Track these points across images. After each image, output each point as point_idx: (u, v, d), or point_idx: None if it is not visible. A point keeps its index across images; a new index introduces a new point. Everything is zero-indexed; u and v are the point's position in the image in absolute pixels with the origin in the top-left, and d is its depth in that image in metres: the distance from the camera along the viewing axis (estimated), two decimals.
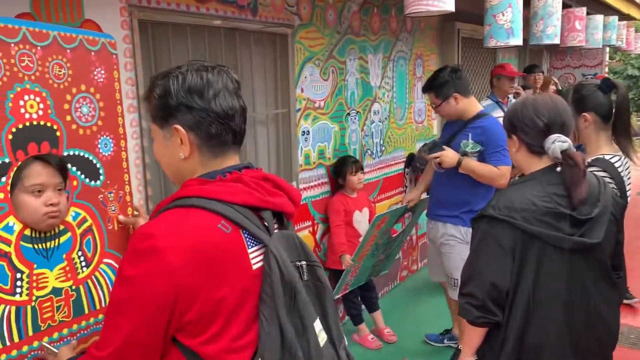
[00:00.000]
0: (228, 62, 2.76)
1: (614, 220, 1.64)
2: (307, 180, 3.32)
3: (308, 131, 3.29)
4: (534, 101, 1.66)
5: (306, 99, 3.24)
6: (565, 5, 4.91)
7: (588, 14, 5.60)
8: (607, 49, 8.39)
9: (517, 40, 2.95)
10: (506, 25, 2.90)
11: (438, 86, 2.90)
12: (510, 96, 5.07)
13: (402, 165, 4.44)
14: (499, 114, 4.88)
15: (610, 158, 2.10)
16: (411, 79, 4.45)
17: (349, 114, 3.67)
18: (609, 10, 6.47)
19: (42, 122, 1.27)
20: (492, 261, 1.58)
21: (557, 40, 3.81)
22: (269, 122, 3.11)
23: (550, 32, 3.71)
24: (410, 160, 4.56)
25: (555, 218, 1.54)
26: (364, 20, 3.72)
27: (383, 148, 4.14)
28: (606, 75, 8.48)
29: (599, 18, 5.32)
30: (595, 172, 2.07)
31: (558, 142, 1.57)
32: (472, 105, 2.96)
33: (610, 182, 2.05)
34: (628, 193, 2.15)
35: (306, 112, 3.26)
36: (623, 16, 7.75)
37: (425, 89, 3.02)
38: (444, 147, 2.83)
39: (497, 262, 1.57)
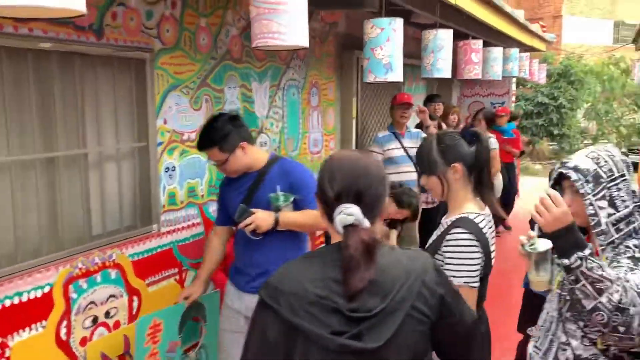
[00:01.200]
0: (64, 89, 2.38)
1: (422, 320, 1.27)
2: (172, 223, 2.96)
3: (174, 167, 2.94)
4: (334, 163, 1.37)
5: (171, 130, 2.89)
6: (463, 36, 4.88)
7: (488, 45, 5.64)
8: (514, 79, 8.61)
9: (396, 76, 2.76)
10: (384, 60, 2.70)
11: (221, 139, 2.39)
12: (414, 129, 4.95)
13: None
14: (393, 145, 4.75)
15: (475, 217, 1.91)
16: (305, 108, 4.21)
17: None
18: (512, 41, 6.59)
19: None
20: (259, 358, 1.26)
21: (447, 74, 3.70)
22: (122, 158, 2.73)
23: (441, 65, 3.59)
24: None
25: (324, 310, 1.22)
26: (246, 46, 3.43)
27: None
28: (513, 104, 8.70)
29: (497, 50, 5.34)
30: (452, 238, 1.87)
31: (342, 215, 1.27)
32: (259, 152, 2.60)
33: (476, 246, 1.85)
34: (493, 254, 1.96)
35: (171, 146, 2.91)
36: (526, 47, 7.99)
37: (205, 145, 2.43)
38: (252, 210, 2.41)
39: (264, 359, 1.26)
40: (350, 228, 1.26)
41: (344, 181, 1.30)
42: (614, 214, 1.59)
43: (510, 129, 7.28)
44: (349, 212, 1.26)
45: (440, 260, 1.93)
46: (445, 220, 2.00)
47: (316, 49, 4.29)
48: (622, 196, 1.60)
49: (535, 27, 7.82)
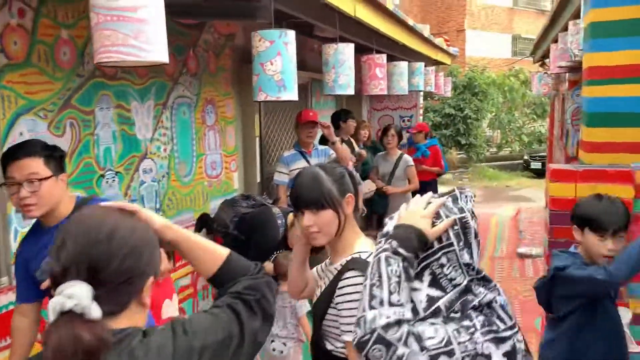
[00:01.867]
0: None
1: None
2: None
3: None
4: (69, 226, 1.00)
5: None
6: (368, 51, 4.71)
7: (394, 59, 5.53)
8: (421, 93, 8.67)
9: (291, 95, 2.47)
10: (276, 77, 2.40)
11: (51, 149, 1.91)
12: (320, 146, 4.69)
13: (191, 230, 3.76)
14: (301, 165, 4.47)
15: (368, 257, 1.63)
16: (200, 128, 3.83)
17: (102, 176, 2.91)
18: (417, 55, 6.56)
19: None
20: None
21: (350, 91, 3.47)
22: None
23: (343, 81, 3.35)
24: (204, 222, 3.90)
25: None
26: None
27: (161, 213, 3.42)
28: (421, 117, 8.76)
29: (403, 65, 5.23)
30: None
31: (58, 297, 0.92)
32: (68, 193, 2.01)
33: None
34: None
35: None
36: (432, 61, 8.05)
37: (28, 151, 1.85)
38: None
39: None
40: (62, 318, 0.90)
41: (75, 250, 0.95)
42: (441, 296, 1.27)
43: (429, 145, 6.87)
44: (69, 294, 0.90)
45: (334, 315, 1.63)
46: (333, 266, 1.70)
47: (210, 63, 3.93)
48: (447, 274, 1.28)
49: (439, 41, 7.91)
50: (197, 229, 3.83)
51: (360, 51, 5.10)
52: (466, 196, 1.37)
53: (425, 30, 6.76)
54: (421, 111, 8.74)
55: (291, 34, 2.47)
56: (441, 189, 10.85)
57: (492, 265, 6.50)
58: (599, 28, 2.83)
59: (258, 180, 4.52)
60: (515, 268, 6.35)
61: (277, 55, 2.39)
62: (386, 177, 5.41)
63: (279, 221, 3.52)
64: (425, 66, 7.10)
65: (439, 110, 16.95)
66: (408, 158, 5.55)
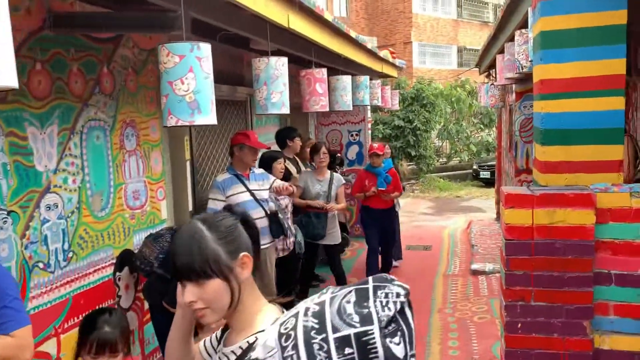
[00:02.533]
0: None
1: None
2: None
3: None
4: None
5: None
6: (307, 64, 4.40)
7: (337, 73, 5.24)
8: (369, 107, 8.46)
9: (207, 118, 2.09)
10: (188, 97, 2.03)
11: None
12: (255, 169, 4.34)
13: (110, 270, 3.31)
14: (238, 190, 4.10)
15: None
16: (117, 154, 3.39)
17: None
18: (361, 68, 6.31)
19: None
20: None
21: (285, 110, 3.13)
22: None
23: (276, 99, 3.01)
24: (126, 259, 3.46)
25: None
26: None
27: (71, 254, 2.96)
28: (369, 131, 8.53)
29: (346, 79, 4.95)
30: None
31: None
32: None
33: None
34: None
35: None
36: (378, 74, 7.85)
37: None
38: None
39: None
40: None
41: None
42: None
43: (387, 169, 5.92)
44: None
45: None
46: (229, 348, 1.29)
47: (129, 81, 3.51)
48: None
49: (384, 53, 7.72)
50: (118, 268, 3.39)
51: (302, 65, 4.80)
52: (386, 294, 0.95)
53: (372, 43, 6.55)
54: (369, 125, 8.53)
55: (205, 48, 2.10)
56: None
57: (445, 283, 6.28)
58: (549, 38, 2.60)
59: (190, 208, 4.10)
60: (469, 286, 6.14)
61: (189, 72, 2.02)
62: (321, 197, 5.09)
63: None
64: (370, 79, 6.87)
65: (389, 123, 16.89)
66: (340, 177, 5.28)
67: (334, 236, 5.24)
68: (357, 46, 5.29)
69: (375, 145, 5.80)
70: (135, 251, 3.49)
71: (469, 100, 19.57)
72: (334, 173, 5.25)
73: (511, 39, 4.83)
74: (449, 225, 10.59)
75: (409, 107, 16.86)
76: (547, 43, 2.62)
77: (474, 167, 18.12)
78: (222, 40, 4.29)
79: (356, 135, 8.43)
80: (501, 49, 5.93)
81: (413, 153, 16.93)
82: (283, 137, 5.53)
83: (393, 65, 8.24)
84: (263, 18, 3.11)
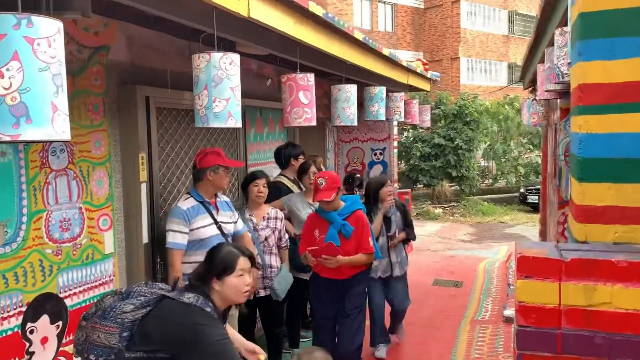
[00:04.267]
0: None
1: None
2: None
3: None
4: None
5: None
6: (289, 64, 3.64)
7: (340, 81, 4.47)
8: (395, 123, 7.62)
9: (47, 131, 1.37)
10: (10, 98, 1.30)
11: None
12: (223, 196, 3.61)
13: (16, 321, 2.62)
14: (204, 221, 3.37)
15: None
16: (36, 174, 2.73)
17: None
18: (380, 78, 5.51)
19: None
20: None
21: (232, 123, 2.37)
22: None
23: (220, 109, 2.26)
24: (44, 305, 2.78)
25: None
26: None
27: None
28: (395, 150, 7.67)
29: (350, 89, 4.17)
30: None
31: None
32: None
33: None
34: None
35: None
36: (410, 87, 7.02)
37: None
38: None
39: None
40: None
41: None
42: None
43: (348, 211, 3.71)
44: None
45: None
46: None
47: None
48: None
49: (416, 64, 6.88)
50: (30, 318, 2.70)
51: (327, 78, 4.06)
52: None
53: (416, 58, 5.75)
54: (395, 143, 7.68)
55: (44, 24, 1.38)
56: (430, 223, 9.55)
57: (472, 332, 5.32)
58: (593, 22, 1.75)
59: (146, 240, 3.40)
60: (499, 336, 5.16)
61: (13, 60, 1.30)
62: None
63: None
64: (392, 92, 6.06)
65: (428, 140, 15.91)
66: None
67: None
68: (367, 50, 4.50)
69: (321, 182, 3.52)
70: (61, 295, 2.80)
71: (518, 118, 18.35)
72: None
73: (552, 43, 3.93)
74: (487, 256, 9.53)
75: (450, 124, 15.85)
76: (589, 30, 1.76)
77: (522, 190, 16.86)
78: (204, 42, 3.62)
79: (380, 154, 7.60)
80: (542, 57, 5.00)
81: (454, 173, 15.85)
82: (287, 155, 4.77)
83: (423, 77, 7.38)
84: (214, 5, 2.40)
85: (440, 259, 9.07)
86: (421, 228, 12.68)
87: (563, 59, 3.09)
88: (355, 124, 4.31)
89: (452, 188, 16.98)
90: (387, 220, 4.52)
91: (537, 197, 16.06)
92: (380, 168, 7.58)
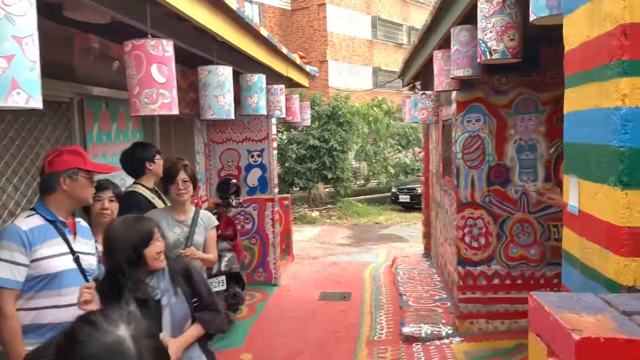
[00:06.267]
0: None
1: None
2: None
3: None
4: None
5: None
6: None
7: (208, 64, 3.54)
8: (274, 120, 6.82)
9: None
10: None
11: None
12: (77, 217, 2.53)
13: None
14: (58, 249, 2.25)
15: None
16: None
17: None
18: (255, 66, 4.66)
19: None
20: None
21: (24, 102, 1.37)
22: None
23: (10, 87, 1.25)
24: None
25: None
26: None
27: None
28: (274, 150, 6.87)
29: (224, 72, 3.26)
30: None
31: None
32: None
33: None
34: None
35: None
36: (286, 80, 6.25)
37: None
38: None
39: None
40: None
41: None
42: None
43: None
44: None
45: None
46: None
47: None
48: None
49: (294, 56, 6.14)
50: None
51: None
52: None
53: (265, 33, 4.94)
54: (275, 144, 6.88)
55: None
56: (307, 227, 8.90)
57: (370, 356, 4.68)
58: None
59: None
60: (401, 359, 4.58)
61: None
62: (180, 245, 3.29)
63: None
64: (271, 84, 5.24)
65: (303, 142, 15.38)
66: (210, 215, 3.49)
67: None
68: (242, 27, 3.63)
69: None
70: None
71: (386, 120, 18.64)
72: (201, 210, 3.48)
73: (447, 38, 3.39)
74: (369, 260, 9.12)
75: (324, 125, 15.48)
76: None
77: (393, 190, 17.06)
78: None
79: (258, 156, 6.75)
80: (439, 45, 4.52)
81: (330, 175, 15.50)
82: (139, 159, 3.65)
83: (303, 70, 6.68)
84: None
85: (323, 267, 8.45)
86: (300, 233, 12.06)
87: (491, 31, 2.50)
88: (232, 116, 3.42)
89: (327, 190, 16.68)
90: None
91: (408, 196, 16.33)
92: (259, 172, 6.73)
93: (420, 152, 21.28)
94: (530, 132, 4.60)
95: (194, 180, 3.33)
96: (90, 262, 2.49)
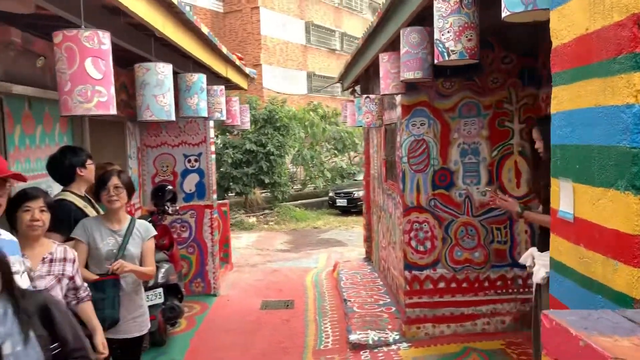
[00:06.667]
0: None
1: None
2: None
3: None
4: None
5: None
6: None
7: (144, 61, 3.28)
8: (212, 123, 6.56)
9: None
10: None
11: None
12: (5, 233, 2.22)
13: None
14: None
15: None
16: None
17: None
18: (198, 69, 4.42)
19: None
20: None
21: None
22: None
23: None
24: None
25: None
26: None
27: None
28: (212, 155, 6.61)
29: (163, 69, 3.02)
30: None
31: None
32: None
33: None
34: None
35: None
36: (224, 82, 6.01)
37: None
38: None
39: None
40: None
41: None
42: None
43: None
44: None
45: None
46: None
47: None
48: None
49: (233, 57, 5.91)
50: None
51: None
52: None
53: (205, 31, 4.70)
54: (212, 147, 6.61)
55: None
56: (245, 234, 8.73)
57: None
58: None
59: None
60: None
61: None
62: (112, 257, 3.03)
63: None
64: (210, 85, 5.00)
65: (239, 146, 15.06)
66: (147, 225, 3.24)
67: (138, 324, 3.19)
68: (181, 23, 3.40)
69: None
70: None
71: (322, 124, 18.66)
72: (137, 219, 3.22)
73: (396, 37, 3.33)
74: (310, 266, 9.00)
75: (261, 129, 15.24)
76: None
77: (330, 194, 17.05)
78: None
79: (195, 160, 6.46)
80: (385, 48, 4.47)
81: (267, 180, 15.26)
82: (69, 164, 3.32)
83: (242, 72, 6.46)
84: None
85: (263, 274, 8.24)
86: (237, 240, 11.75)
87: (449, 31, 2.43)
88: (173, 117, 3.18)
89: (263, 195, 16.43)
90: None
91: (345, 200, 16.38)
92: (197, 177, 6.44)
93: (355, 157, 21.47)
94: (474, 135, 4.64)
95: (128, 187, 3.06)
96: (20, 282, 2.18)
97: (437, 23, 2.52)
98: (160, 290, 4.68)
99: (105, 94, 2.03)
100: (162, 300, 4.69)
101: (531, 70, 4.56)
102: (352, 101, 7.00)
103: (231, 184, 14.89)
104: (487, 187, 4.57)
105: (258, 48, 26.98)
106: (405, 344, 4.66)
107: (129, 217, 3.14)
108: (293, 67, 28.51)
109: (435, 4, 2.53)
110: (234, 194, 15.62)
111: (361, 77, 7.07)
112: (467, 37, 2.44)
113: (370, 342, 4.74)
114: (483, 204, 4.65)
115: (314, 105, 20.00)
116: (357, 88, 7.96)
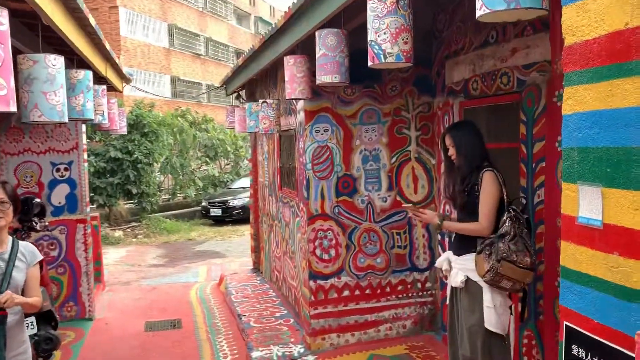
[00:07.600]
0: None
1: None
2: None
3: None
4: None
5: None
6: None
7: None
8: (84, 127, 5.87)
9: None
10: None
11: None
12: None
13: None
14: None
15: None
16: None
17: None
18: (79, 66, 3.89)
19: None
20: None
21: None
22: None
23: None
24: None
25: None
26: None
27: None
28: (85, 163, 5.92)
29: (56, 62, 2.56)
30: None
31: None
32: None
33: None
34: None
35: None
36: (104, 83, 5.41)
37: None
38: None
39: None
40: None
41: None
42: None
43: None
44: None
45: None
46: None
47: None
48: None
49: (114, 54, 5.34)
50: None
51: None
52: None
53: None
54: (85, 155, 5.92)
55: None
56: (112, 249, 8.01)
57: None
58: None
59: None
60: None
61: None
62: None
63: None
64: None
65: (103, 154, 13.87)
66: (32, 248, 2.76)
67: None
68: (69, 11, 2.92)
69: None
70: None
71: (192, 131, 17.93)
72: (20, 242, 2.71)
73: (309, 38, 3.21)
74: (190, 281, 8.50)
75: (127, 135, 14.19)
76: None
77: (203, 204, 16.41)
78: None
79: (65, 169, 5.73)
80: (291, 49, 4.31)
81: (134, 190, 14.24)
82: None
83: (120, 72, 5.89)
84: None
85: (142, 292, 7.59)
86: (104, 256, 10.74)
87: (385, 32, 2.35)
88: (67, 119, 2.70)
89: (128, 207, 15.31)
90: None
91: (220, 209, 15.88)
92: (67, 188, 5.71)
93: (227, 165, 20.96)
94: (374, 142, 4.67)
95: (14, 200, 2.55)
96: None
97: (373, 24, 2.43)
98: (33, 319, 4.00)
99: (4, 86, 1.60)
100: (35, 330, 4.03)
101: (426, 79, 4.71)
102: (238, 106, 6.73)
103: (94, 194, 13.66)
104: (405, 204, 4.63)
105: (117, 49, 25.26)
106: (311, 357, 4.52)
107: (10, 238, 2.62)
108: (156, 71, 27.19)
109: (370, 4, 2.44)
110: (95, 206, 14.34)
111: (246, 82, 6.84)
112: (403, 39, 2.38)
113: (275, 357, 4.52)
114: (384, 210, 4.69)
115: (182, 111, 19.19)
116: (242, 93, 7.71)
